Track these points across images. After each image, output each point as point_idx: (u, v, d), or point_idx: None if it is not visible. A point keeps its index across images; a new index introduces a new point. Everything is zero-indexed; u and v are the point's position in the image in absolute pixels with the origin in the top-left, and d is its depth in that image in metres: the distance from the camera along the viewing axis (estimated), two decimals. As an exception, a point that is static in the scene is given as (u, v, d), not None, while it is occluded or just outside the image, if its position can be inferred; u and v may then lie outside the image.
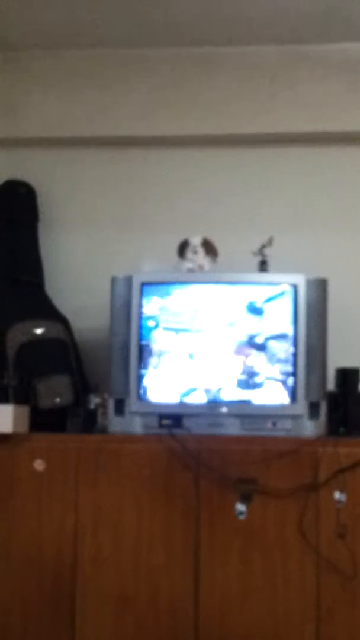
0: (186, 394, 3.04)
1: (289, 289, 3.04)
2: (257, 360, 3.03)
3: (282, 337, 3.03)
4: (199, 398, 3.03)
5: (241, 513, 2.90)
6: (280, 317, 3.04)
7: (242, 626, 2.88)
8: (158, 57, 3.63)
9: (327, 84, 3.57)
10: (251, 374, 3.02)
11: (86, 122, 3.65)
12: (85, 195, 3.74)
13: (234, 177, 3.68)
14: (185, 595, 2.90)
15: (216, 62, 3.62)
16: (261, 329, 3.04)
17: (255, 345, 3.03)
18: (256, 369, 3.02)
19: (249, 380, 3.02)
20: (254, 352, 3.03)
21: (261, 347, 3.03)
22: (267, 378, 3.02)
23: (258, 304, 3.05)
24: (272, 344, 3.03)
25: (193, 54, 3.61)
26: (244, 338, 3.04)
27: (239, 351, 3.04)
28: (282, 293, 3.04)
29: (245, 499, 2.90)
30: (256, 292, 3.06)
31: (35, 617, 2.94)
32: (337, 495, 2.88)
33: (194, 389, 3.04)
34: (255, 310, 3.05)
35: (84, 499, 2.96)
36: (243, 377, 3.03)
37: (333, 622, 2.85)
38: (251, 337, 3.04)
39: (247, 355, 3.03)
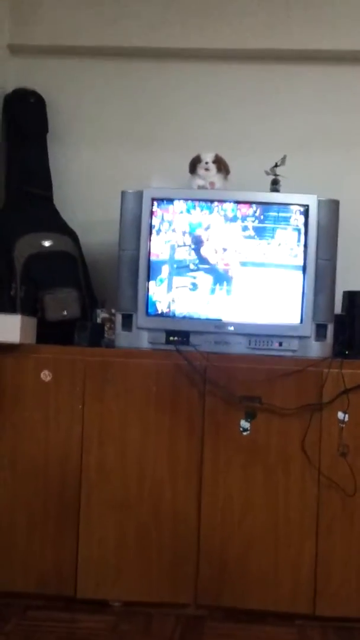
0: (194, 311, 3.04)
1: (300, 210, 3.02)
2: (264, 279, 3.03)
3: (291, 258, 3.02)
4: (207, 315, 3.04)
5: (245, 430, 2.94)
6: (289, 239, 3.02)
7: (242, 539, 2.94)
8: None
9: (344, 0, 3.48)
10: (259, 291, 3.03)
11: (98, 31, 3.57)
12: (95, 108, 3.68)
13: (247, 94, 3.61)
14: (188, 506, 2.95)
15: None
16: (270, 248, 3.03)
17: (263, 264, 3.03)
18: (263, 287, 3.03)
19: (257, 298, 3.03)
20: (262, 271, 3.03)
21: (269, 266, 3.03)
22: (274, 297, 3.03)
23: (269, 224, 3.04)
24: (280, 263, 3.03)
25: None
26: (252, 257, 3.03)
27: (247, 269, 3.04)
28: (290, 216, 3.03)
29: (250, 416, 2.94)
30: (267, 212, 3.04)
31: (40, 524, 3.00)
32: (341, 415, 2.92)
33: (202, 306, 3.04)
34: (264, 230, 3.04)
35: (90, 410, 2.98)
36: (251, 294, 3.03)
37: (332, 539, 2.91)
38: (259, 256, 3.03)
39: (255, 274, 3.03)
